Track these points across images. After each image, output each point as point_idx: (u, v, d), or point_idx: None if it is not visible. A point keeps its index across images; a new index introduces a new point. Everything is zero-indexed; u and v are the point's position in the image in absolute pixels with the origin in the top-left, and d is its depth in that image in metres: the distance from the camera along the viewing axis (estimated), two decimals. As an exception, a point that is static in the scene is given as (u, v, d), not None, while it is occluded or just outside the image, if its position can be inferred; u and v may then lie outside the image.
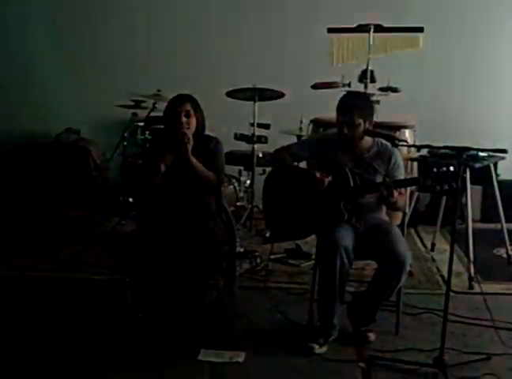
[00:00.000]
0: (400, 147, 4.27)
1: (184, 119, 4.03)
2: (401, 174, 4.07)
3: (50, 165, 7.27)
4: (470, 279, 4.95)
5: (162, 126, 4.39)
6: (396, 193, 3.80)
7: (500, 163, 5.87)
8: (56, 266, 5.28)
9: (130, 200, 6.58)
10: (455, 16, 6.98)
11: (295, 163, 4.25)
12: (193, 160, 3.96)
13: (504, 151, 3.66)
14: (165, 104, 4.24)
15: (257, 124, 6.01)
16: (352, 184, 3.90)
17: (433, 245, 5.94)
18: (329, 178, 3.92)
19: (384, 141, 4.08)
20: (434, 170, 3.49)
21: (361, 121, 3.95)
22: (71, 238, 6.00)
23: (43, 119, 7.57)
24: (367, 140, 4.06)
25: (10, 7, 7.54)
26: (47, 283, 4.91)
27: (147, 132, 6.31)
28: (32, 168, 7.32)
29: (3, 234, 6.04)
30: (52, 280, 4.96)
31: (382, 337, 4.04)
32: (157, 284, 3.93)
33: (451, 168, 3.46)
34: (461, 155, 3.53)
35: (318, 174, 3.93)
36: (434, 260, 5.65)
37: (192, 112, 4.06)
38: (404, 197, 4.06)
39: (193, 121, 4.07)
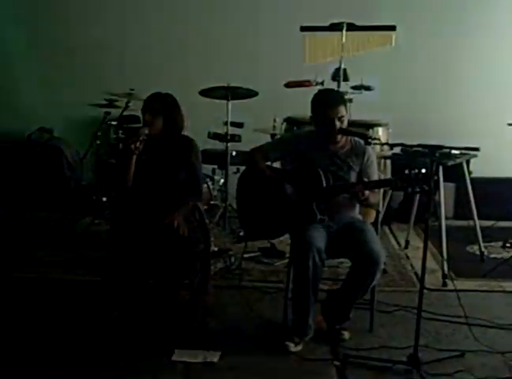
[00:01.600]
0: (373, 145, 4.28)
1: (148, 118, 4.03)
2: (375, 172, 4.10)
3: (23, 165, 7.21)
4: (444, 276, 4.98)
5: (135, 125, 4.39)
6: (367, 192, 3.82)
7: (473, 161, 5.88)
8: (30, 267, 5.23)
9: (104, 199, 6.53)
10: (426, 15, 7.01)
11: (269, 163, 4.26)
12: (179, 219, 3.94)
13: (476, 149, 3.69)
14: (139, 103, 4.24)
15: (231, 122, 5.99)
16: (324, 184, 3.90)
17: (407, 242, 5.98)
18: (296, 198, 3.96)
19: (357, 139, 4.09)
20: (406, 172, 3.51)
21: (346, 114, 3.98)
22: (45, 239, 5.94)
23: (15, 119, 7.48)
24: (342, 138, 4.06)
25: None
26: (20, 283, 4.87)
27: (120, 131, 6.27)
28: (4, 168, 7.24)
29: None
30: (25, 281, 4.92)
31: (357, 335, 4.06)
32: (131, 284, 3.92)
33: (423, 170, 3.48)
34: (434, 154, 3.54)
35: (288, 191, 4.00)
36: (408, 257, 5.68)
37: (159, 111, 4.05)
38: (376, 195, 4.07)
39: (159, 119, 4.07)
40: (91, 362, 3.68)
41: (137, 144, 4.00)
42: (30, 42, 7.47)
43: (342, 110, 3.97)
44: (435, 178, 3.54)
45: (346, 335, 4.02)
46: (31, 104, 7.49)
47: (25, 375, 3.56)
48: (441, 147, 3.59)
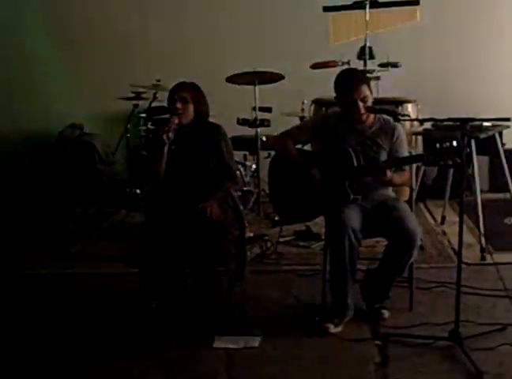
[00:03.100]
0: (403, 122, 4.24)
1: (179, 106, 4.04)
2: (404, 150, 4.06)
3: (56, 162, 7.26)
4: (482, 250, 4.93)
5: (164, 116, 4.40)
6: (389, 174, 3.79)
7: (505, 132, 5.82)
8: (67, 262, 5.28)
9: (137, 191, 6.58)
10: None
11: (299, 146, 4.25)
12: (213, 205, 3.94)
13: (507, 119, 3.65)
14: (165, 94, 4.25)
15: (259, 108, 5.99)
16: (355, 164, 3.89)
17: (443, 218, 5.93)
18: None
19: (386, 117, 4.06)
20: (438, 145, 3.48)
21: (369, 93, 3.95)
22: (81, 234, 6.00)
23: (45, 117, 7.56)
24: (370, 117, 4.03)
25: (7, 5, 7.50)
26: (59, 279, 4.92)
27: (149, 122, 6.30)
28: (38, 166, 7.32)
29: (13, 233, 6.06)
30: (64, 277, 4.97)
31: (396, 313, 4.04)
32: (168, 273, 3.95)
33: (454, 143, 3.44)
34: (465, 127, 3.50)
35: (316, 177, 4.00)
36: (444, 233, 5.64)
37: (189, 99, 4.06)
38: (407, 174, 4.05)
39: (190, 107, 4.07)
40: (132, 352, 3.72)
41: (169, 134, 4.01)
42: (56, 39, 7.51)
43: (365, 89, 3.93)
44: (467, 150, 3.49)
45: (386, 313, 4.01)
46: (60, 101, 7.54)
47: (67, 361, 3.62)
48: (472, 119, 3.54)
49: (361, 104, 3.92)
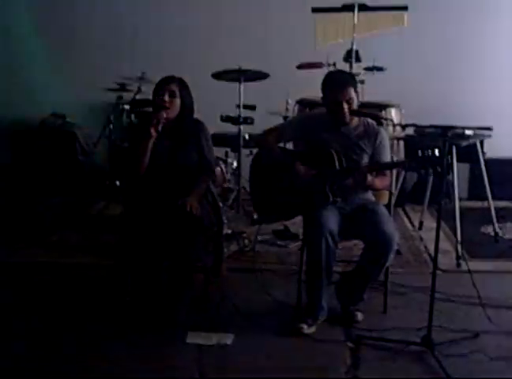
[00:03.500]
0: (386, 126, 4.26)
1: (167, 98, 4.03)
2: (387, 154, 4.08)
3: (37, 150, 7.22)
4: (457, 257, 4.96)
5: (147, 109, 4.38)
6: (370, 177, 3.82)
7: (487, 141, 5.86)
8: (44, 251, 5.26)
9: (117, 183, 6.55)
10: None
11: (282, 144, 4.26)
12: (192, 201, 3.94)
13: (489, 128, 3.67)
14: (150, 86, 4.24)
15: (243, 105, 5.98)
16: (337, 166, 3.89)
17: (421, 223, 5.95)
18: (312, 173, 3.94)
19: (370, 120, 4.08)
20: (419, 153, 3.51)
21: (355, 96, 3.96)
22: (59, 223, 5.97)
23: (28, 104, 7.49)
24: (354, 120, 4.05)
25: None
26: (35, 268, 4.90)
27: (132, 115, 6.28)
28: (18, 153, 7.28)
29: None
30: (40, 265, 4.94)
31: (370, 316, 4.06)
32: (144, 266, 3.94)
33: (436, 152, 3.47)
34: (447, 134, 3.52)
35: (301, 170, 3.96)
36: (421, 238, 5.66)
37: (177, 93, 4.06)
38: (388, 179, 4.06)
39: (177, 101, 4.07)
40: (103, 345, 3.71)
41: (158, 127, 4.00)
42: (43, 27, 7.45)
43: (351, 92, 3.94)
44: (448, 158, 3.51)
45: (359, 316, 4.02)
46: (44, 90, 7.48)
47: (31, 357, 3.60)
48: (453, 127, 3.57)
49: (346, 106, 3.93)
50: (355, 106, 3.97)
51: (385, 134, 4.11)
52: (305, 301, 4.04)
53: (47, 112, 7.43)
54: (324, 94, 4.06)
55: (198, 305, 4.08)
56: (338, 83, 4.00)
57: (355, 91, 3.98)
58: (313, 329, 3.87)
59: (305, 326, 3.86)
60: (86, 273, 4.78)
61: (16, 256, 5.13)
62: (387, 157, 4.08)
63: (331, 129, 4.03)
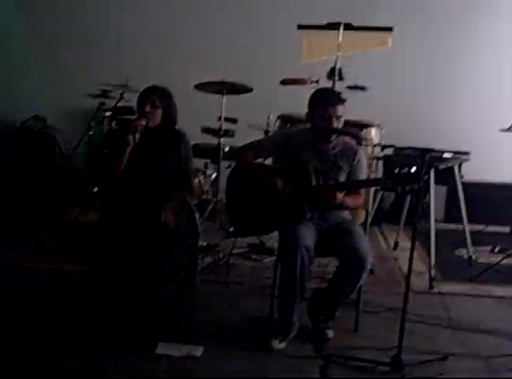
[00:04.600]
0: (365, 146, 4.29)
1: (148, 109, 4.03)
2: (363, 174, 4.10)
3: (16, 152, 7.18)
4: (430, 279, 4.99)
5: (129, 117, 4.38)
6: (340, 196, 3.83)
7: (464, 165, 5.90)
8: (18, 255, 5.22)
9: (95, 189, 6.53)
10: (423, 17, 7.02)
11: (260, 160, 4.27)
12: (167, 212, 3.95)
13: (466, 153, 3.71)
14: (133, 95, 4.24)
15: (225, 118, 6.00)
16: (314, 183, 3.91)
17: (396, 243, 5.98)
18: (289, 190, 3.95)
19: (349, 139, 4.10)
20: (396, 171, 3.52)
21: (343, 114, 4.00)
22: (34, 227, 5.94)
23: (9, 106, 7.47)
24: (334, 138, 4.07)
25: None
26: (7, 271, 4.86)
27: (113, 122, 6.27)
28: (-2, 155, 7.25)
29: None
30: (13, 269, 4.91)
31: (341, 335, 4.07)
32: (118, 275, 3.92)
33: (413, 170, 3.48)
34: (425, 156, 3.55)
35: (279, 185, 3.96)
36: (396, 259, 5.68)
37: (158, 103, 4.06)
38: (361, 198, 4.08)
39: (158, 112, 4.08)
40: (73, 352, 3.68)
41: (136, 135, 4.00)
42: (28, 30, 7.44)
43: (341, 109, 3.98)
44: (425, 177, 3.53)
45: (330, 334, 4.03)
46: (26, 92, 7.46)
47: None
48: (431, 150, 3.59)
49: (335, 122, 3.95)
50: (341, 124, 4.00)
51: (363, 154, 4.14)
52: (277, 316, 4.04)
53: (29, 114, 7.39)
54: (312, 109, 4.07)
55: (170, 315, 4.06)
56: (331, 99, 4.04)
57: (343, 111, 4.00)
58: (283, 345, 3.87)
59: (275, 341, 3.86)
60: (60, 279, 4.75)
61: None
62: (363, 177, 4.10)
63: (310, 147, 4.05)
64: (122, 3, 7.37)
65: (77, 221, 6.03)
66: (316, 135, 4.06)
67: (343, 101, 4.06)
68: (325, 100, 4.03)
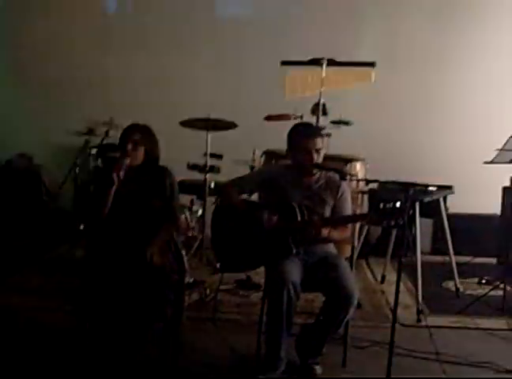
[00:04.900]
0: (349, 180, 4.31)
1: (130, 147, 4.05)
2: (347, 207, 4.12)
3: (1, 190, 7.17)
4: (418, 312, 4.98)
5: (114, 154, 4.39)
6: (325, 230, 3.85)
7: (450, 197, 5.94)
8: (3, 293, 5.18)
9: (81, 227, 6.51)
10: (406, 52, 7.12)
11: (245, 195, 4.28)
12: (153, 249, 3.96)
13: (449, 187, 3.74)
14: (118, 132, 4.27)
15: (210, 154, 6.03)
16: (299, 218, 3.92)
17: (383, 277, 5.98)
18: (276, 218, 3.96)
19: (333, 174, 4.12)
20: (381, 206, 3.53)
21: (323, 147, 4.03)
22: (20, 265, 5.91)
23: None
24: (317, 173, 4.09)
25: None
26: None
27: (99, 159, 6.28)
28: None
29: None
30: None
31: (329, 370, 4.05)
32: (103, 314, 3.89)
33: (397, 204, 3.50)
34: (408, 190, 3.57)
35: (265, 215, 3.97)
36: (383, 292, 5.68)
37: (140, 141, 4.08)
38: (348, 231, 4.10)
39: (141, 150, 4.10)
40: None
41: (120, 174, 4.01)
42: (13, 68, 7.48)
43: (320, 142, 4.01)
44: (410, 212, 3.55)
45: (318, 369, 4.01)
46: (11, 130, 7.47)
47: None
48: (415, 184, 3.62)
49: (315, 155, 3.97)
50: (321, 157, 4.02)
51: (347, 187, 4.16)
52: (264, 352, 4.02)
53: (14, 152, 7.40)
54: (291, 144, 4.10)
55: (157, 354, 4.03)
56: (308, 133, 4.06)
57: (322, 143, 4.04)
58: (271, 381, 3.86)
59: (264, 378, 3.83)
60: (45, 317, 4.71)
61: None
62: (347, 210, 4.12)
63: (293, 182, 4.07)
64: (108, 42, 7.42)
65: (63, 258, 6.01)
66: (298, 170, 4.09)
67: (321, 134, 4.10)
68: (303, 134, 4.06)
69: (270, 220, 3.98)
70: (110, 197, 4.03)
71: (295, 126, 4.18)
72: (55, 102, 7.43)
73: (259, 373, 3.86)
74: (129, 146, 4.07)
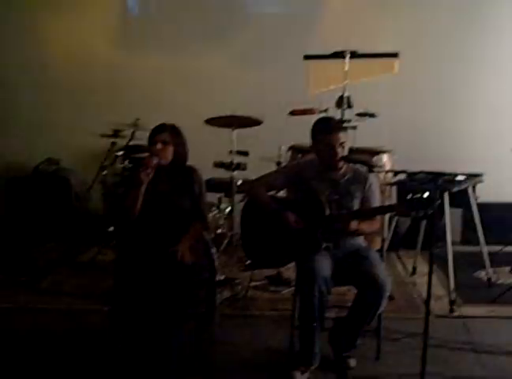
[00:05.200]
0: (377, 172, 4.29)
1: (159, 147, 4.07)
2: (376, 199, 4.11)
3: (31, 196, 7.23)
4: (451, 302, 4.95)
5: (141, 155, 4.41)
6: (354, 223, 3.84)
7: (479, 186, 5.88)
8: (36, 297, 5.24)
9: (111, 229, 6.54)
10: (430, 41, 7.05)
11: (273, 192, 4.28)
12: (183, 249, 3.97)
13: (478, 175, 3.70)
14: (144, 133, 4.28)
15: (236, 151, 6.03)
16: (327, 213, 3.91)
17: (414, 268, 5.94)
18: (302, 225, 3.96)
19: (360, 166, 4.11)
20: (408, 197, 3.51)
21: (346, 140, 4.02)
22: (52, 269, 5.96)
23: (22, 150, 7.53)
24: (343, 166, 4.08)
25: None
26: (27, 314, 4.87)
27: (126, 161, 6.31)
28: (12, 200, 7.28)
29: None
30: (32, 311, 4.92)
31: (363, 363, 4.05)
32: (137, 314, 3.91)
33: (425, 195, 3.48)
34: (437, 180, 3.54)
35: (291, 220, 3.97)
36: (415, 284, 5.65)
37: (169, 141, 4.10)
38: (377, 223, 4.08)
39: (169, 149, 4.11)
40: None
41: (148, 173, 4.03)
42: (36, 73, 7.52)
43: (342, 136, 4.00)
44: (439, 202, 3.52)
45: (352, 362, 4.01)
46: (38, 135, 7.52)
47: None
48: (443, 174, 3.60)
49: (339, 150, 3.96)
50: (346, 150, 4.01)
51: (375, 179, 4.14)
52: (298, 347, 4.02)
53: (42, 158, 7.45)
54: (315, 140, 4.10)
55: (190, 352, 4.04)
56: (329, 128, 4.05)
57: (346, 136, 4.02)
58: (306, 376, 3.86)
59: (298, 373, 3.84)
60: (78, 320, 4.75)
61: (9, 302, 5.09)
62: (376, 202, 4.10)
63: (321, 177, 4.06)
64: (132, 42, 7.44)
65: (94, 261, 6.05)
66: (323, 164, 4.08)
67: (342, 128, 4.09)
68: (325, 130, 4.05)
69: (296, 224, 3.98)
70: (140, 196, 4.04)
71: (316, 123, 4.16)
72: (80, 104, 7.45)
73: (293, 369, 3.86)
74: (159, 145, 4.09)
